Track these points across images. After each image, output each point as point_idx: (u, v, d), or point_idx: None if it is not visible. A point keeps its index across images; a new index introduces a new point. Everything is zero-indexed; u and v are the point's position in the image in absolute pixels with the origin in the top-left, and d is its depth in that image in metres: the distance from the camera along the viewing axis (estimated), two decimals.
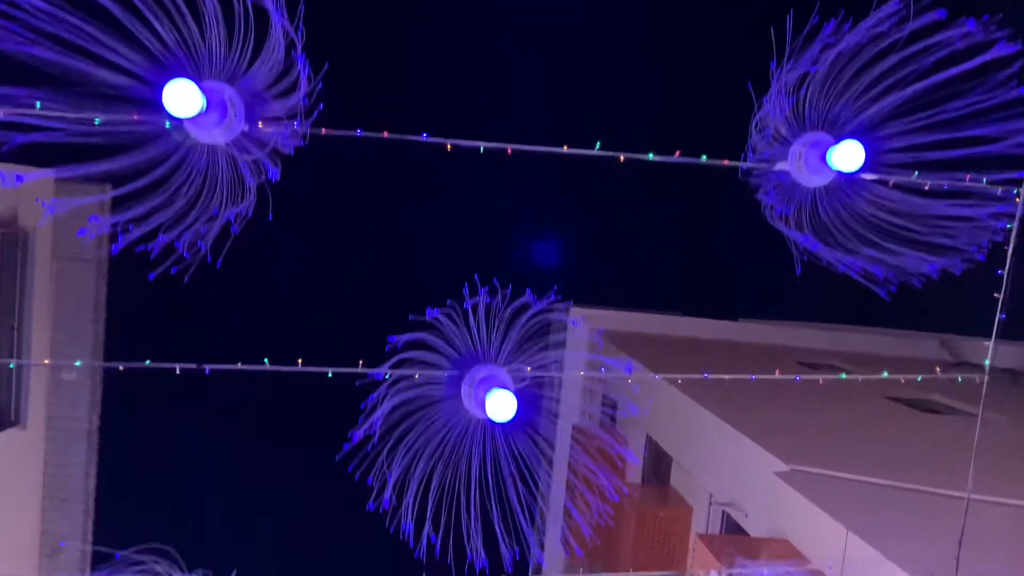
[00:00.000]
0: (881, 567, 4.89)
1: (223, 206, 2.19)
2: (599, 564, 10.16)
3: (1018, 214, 3.31)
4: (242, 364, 3.12)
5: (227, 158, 2.39)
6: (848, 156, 2.60)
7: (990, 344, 3.63)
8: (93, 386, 11.86)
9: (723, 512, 7.43)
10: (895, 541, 5.02)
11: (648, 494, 9.06)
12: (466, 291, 2.34)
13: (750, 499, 6.76)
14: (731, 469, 7.45)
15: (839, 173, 2.66)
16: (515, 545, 2.54)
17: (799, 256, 2.57)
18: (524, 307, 2.37)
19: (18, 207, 9.62)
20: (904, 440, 7.94)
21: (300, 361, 3.06)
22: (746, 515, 6.89)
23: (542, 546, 2.82)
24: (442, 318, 2.43)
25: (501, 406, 2.60)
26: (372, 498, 2.44)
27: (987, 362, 3.72)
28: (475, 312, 2.41)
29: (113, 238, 2.17)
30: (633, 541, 8.52)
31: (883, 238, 2.56)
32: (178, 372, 3.11)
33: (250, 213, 2.20)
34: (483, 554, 2.49)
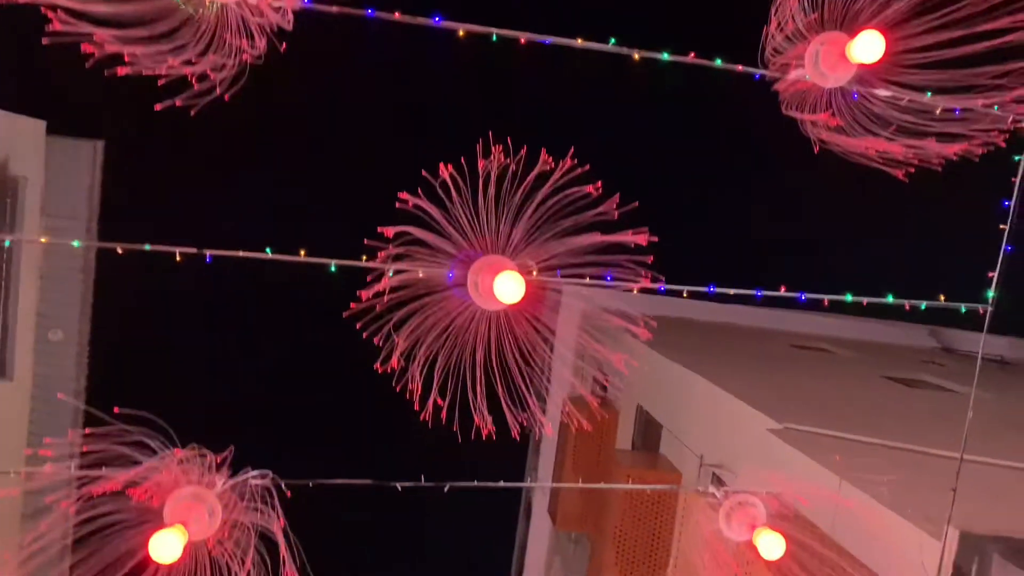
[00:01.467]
0: (875, 515, 4.89)
1: (233, 55, 2.13)
2: (588, 526, 10.15)
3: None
4: (243, 252, 3.06)
5: (237, 18, 2.34)
6: (868, 46, 2.57)
7: (994, 276, 3.64)
8: (80, 348, 11.74)
9: (713, 474, 7.43)
10: (888, 491, 5.02)
11: (637, 459, 9.05)
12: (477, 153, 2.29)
13: (741, 459, 6.76)
14: (722, 431, 7.45)
15: (859, 67, 2.64)
16: (520, 412, 2.51)
17: (815, 140, 2.54)
18: (540, 178, 2.30)
19: (9, 155, 9.50)
20: (895, 409, 7.97)
21: (303, 252, 3.01)
22: (736, 475, 6.89)
23: (544, 411, 2.78)
24: (451, 190, 2.38)
25: (509, 287, 2.56)
26: (379, 360, 2.40)
27: (990, 293, 3.71)
28: (485, 188, 2.36)
29: (119, 61, 2.10)
30: (621, 504, 8.50)
31: (899, 134, 2.54)
32: (178, 259, 3.05)
33: (261, 58, 2.15)
34: (489, 421, 2.46)
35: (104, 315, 11.92)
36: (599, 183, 2.26)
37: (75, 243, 2.86)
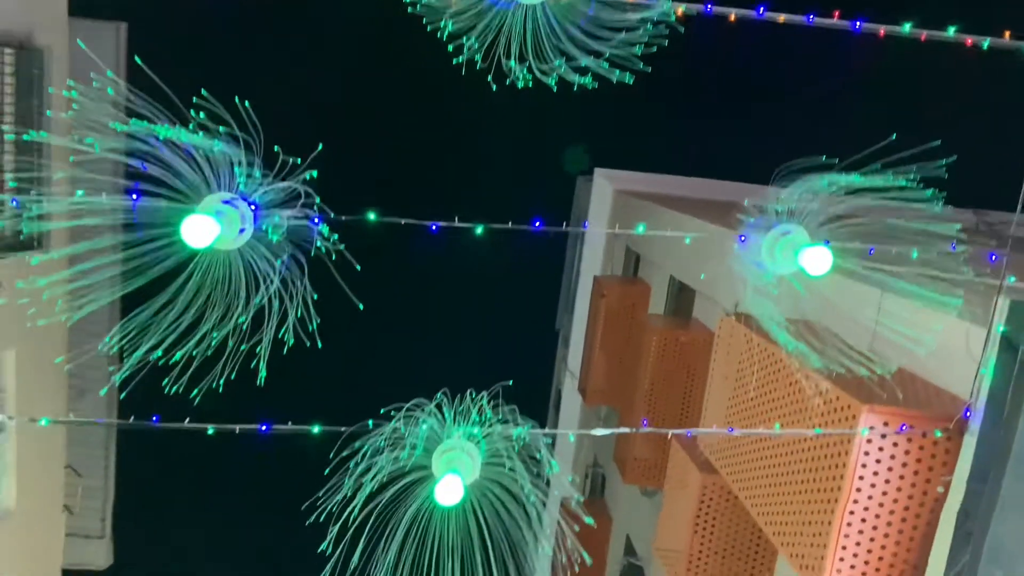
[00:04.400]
0: (916, 316, 4.78)
1: None
2: (617, 399, 10.20)
3: None
4: None
5: None
6: None
7: None
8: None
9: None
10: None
11: (670, 322, 9.00)
12: None
13: (779, 296, 6.63)
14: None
15: None
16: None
17: None
18: None
19: (33, 27, 9.42)
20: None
21: None
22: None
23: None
24: None
25: None
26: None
27: None
28: None
29: None
30: (653, 366, 8.50)
31: None
32: None
33: None
34: (518, 72, 2.35)
35: None
36: None
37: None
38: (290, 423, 3.38)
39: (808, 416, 4.57)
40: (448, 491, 2.91)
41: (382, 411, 2.79)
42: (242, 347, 2.43)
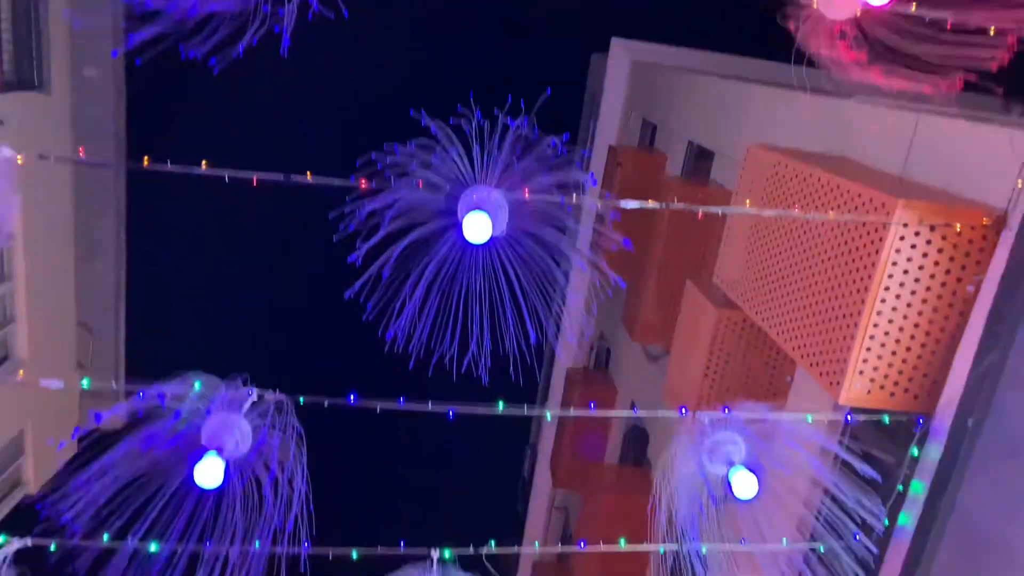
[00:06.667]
0: (953, 133, 4.62)
1: None
2: (631, 262, 10.11)
3: None
4: None
5: None
6: None
7: None
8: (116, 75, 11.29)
9: None
10: (965, 123, 4.68)
11: (687, 182, 8.84)
12: None
13: (805, 137, 6.43)
14: (783, 125, 7.11)
15: None
16: None
17: None
18: None
19: None
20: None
21: None
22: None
23: None
24: None
25: None
26: None
27: None
28: None
29: None
30: (668, 223, 8.38)
31: None
32: None
33: None
34: None
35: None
36: None
37: None
38: (310, 174, 3.27)
39: (838, 231, 4.44)
40: (475, 227, 2.82)
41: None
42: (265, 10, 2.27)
